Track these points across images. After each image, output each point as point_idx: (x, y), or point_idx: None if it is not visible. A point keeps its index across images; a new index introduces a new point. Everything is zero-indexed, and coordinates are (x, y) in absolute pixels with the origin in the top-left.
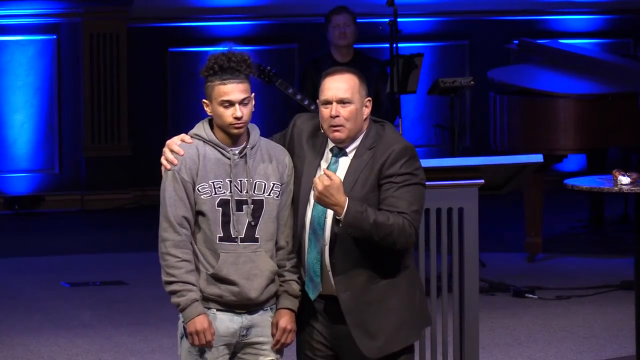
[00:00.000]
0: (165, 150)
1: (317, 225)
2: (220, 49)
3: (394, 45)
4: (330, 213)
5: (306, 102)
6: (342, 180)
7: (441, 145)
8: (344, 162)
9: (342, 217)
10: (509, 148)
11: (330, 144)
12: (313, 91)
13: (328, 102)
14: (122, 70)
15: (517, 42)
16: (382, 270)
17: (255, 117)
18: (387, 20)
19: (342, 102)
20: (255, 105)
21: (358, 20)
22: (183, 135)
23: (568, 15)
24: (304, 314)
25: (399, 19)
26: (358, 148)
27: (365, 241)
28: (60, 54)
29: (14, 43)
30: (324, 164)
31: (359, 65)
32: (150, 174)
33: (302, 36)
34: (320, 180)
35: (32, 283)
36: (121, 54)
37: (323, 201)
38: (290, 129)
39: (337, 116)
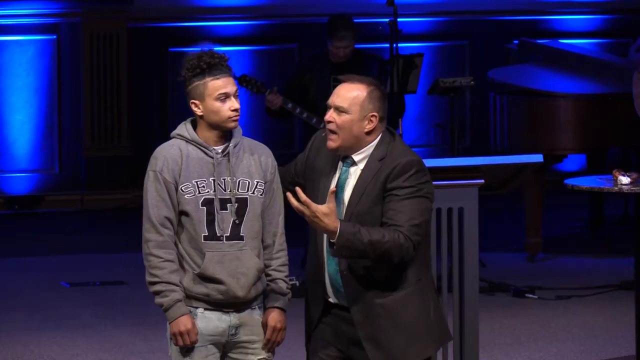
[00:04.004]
0: None
1: None
2: (226, 48)
3: (394, 45)
4: None
5: (305, 116)
6: (352, 191)
7: (441, 145)
8: (355, 172)
9: (334, 240)
10: (509, 148)
11: (341, 155)
12: (297, 85)
13: (328, 106)
14: (122, 70)
15: (517, 42)
16: (393, 283)
17: (250, 124)
18: (387, 20)
19: (338, 109)
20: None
21: (358, 20)
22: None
23: (568, 15)
24: (323, 315)
25: (399, 19)
26: (368, 159)
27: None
28: (60, 54)
29: (14, 43)
30: (337, 173)
31: (356, 64)
32: None
33: (302, 36)
34: (306, 202)
35: (32, 283)
36: (121, 54)
37: (316, 225)
38: (309, 147)
39: (330, 122)
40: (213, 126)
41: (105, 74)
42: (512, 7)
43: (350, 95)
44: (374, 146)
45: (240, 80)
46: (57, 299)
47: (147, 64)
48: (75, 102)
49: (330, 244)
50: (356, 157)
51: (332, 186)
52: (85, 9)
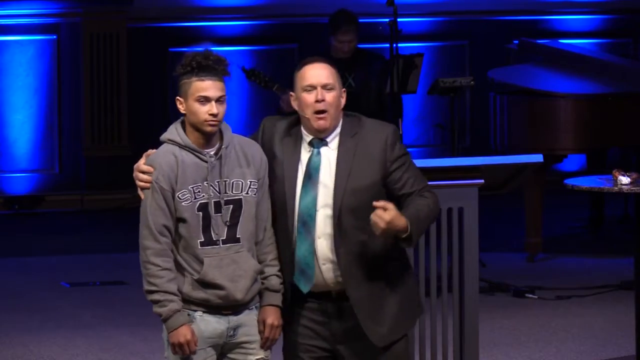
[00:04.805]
0: (136, 174)
1: (308, 217)
2: (226, 48)
3: (394, 45)
4: (320, 206)
5: None
6: (335, 171)
7: (441, 145)
8: (326, 152)
9: (408, 234)
10: (509, 148)
11: (307, 138)
12: None
13: (312, 87)
14: (122, 70)
15: (517, 42)
16: (381, 260)
17: (251, 123)
18: (387, 20)
19: (325, 87)
20: (241, 104)
21: (358, 20)
22: (145, 154)
23: (568, 15)
24: (296, 314)
25: (399, 19)
26: (340, 136)
27: (365, 233)
28: (60, 54)
29: (14, 43)
30: (304, 156)
31: (360, 62)
32: None
33: (302, 36)
34: (380, 216)
35: (32, 283)
36: (121, 54)
37: (389, 232)
38: (260, 133)
39: (322, 100)
40: (194, 127)
41: (105, 74)
42: (512, 7)
43: (329, 71)
44: (340, 125)
45: (249, 74)
46: (57, 299)
47: (147, 64)
48: (75, 102)
49: (403, 240)
50: (328, 139)
51: (302, 169)
52: (85, 9)
